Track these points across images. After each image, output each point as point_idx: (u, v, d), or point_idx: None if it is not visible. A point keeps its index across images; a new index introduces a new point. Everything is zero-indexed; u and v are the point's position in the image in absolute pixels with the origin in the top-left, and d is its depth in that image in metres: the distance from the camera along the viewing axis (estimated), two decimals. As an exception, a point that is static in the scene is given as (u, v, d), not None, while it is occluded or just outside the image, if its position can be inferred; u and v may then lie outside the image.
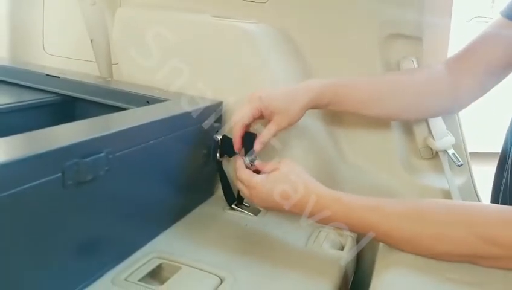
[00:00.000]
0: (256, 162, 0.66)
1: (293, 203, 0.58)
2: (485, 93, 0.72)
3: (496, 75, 0.70)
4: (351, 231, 0.60)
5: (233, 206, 0.74)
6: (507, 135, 0.71)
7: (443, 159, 0.79)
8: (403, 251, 0.53)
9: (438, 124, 0.78)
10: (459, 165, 0.78)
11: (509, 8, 0.67)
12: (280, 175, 0.60)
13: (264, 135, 0.67)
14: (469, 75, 0.70)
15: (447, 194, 0.78)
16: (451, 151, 0.78)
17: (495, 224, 0.49)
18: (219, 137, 0.71)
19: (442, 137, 0.78)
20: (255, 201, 0.62)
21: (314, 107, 0.69)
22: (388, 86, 0.73)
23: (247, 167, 0.65)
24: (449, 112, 0.76)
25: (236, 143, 0.67)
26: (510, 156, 0.68)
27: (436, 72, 0.72)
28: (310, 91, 0.68)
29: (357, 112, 0.72)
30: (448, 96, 0.72)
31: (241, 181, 0.64)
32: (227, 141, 0.70)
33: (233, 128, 0.67)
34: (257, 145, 0.66)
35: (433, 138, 0.78)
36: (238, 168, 0.65)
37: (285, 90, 0.69)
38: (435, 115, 0.77)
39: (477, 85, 0.70)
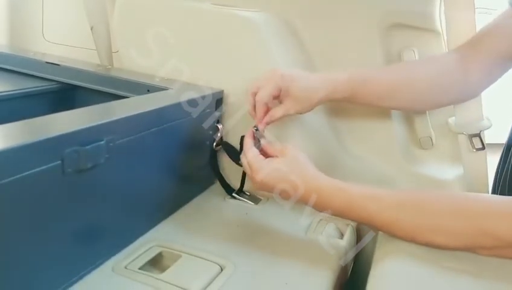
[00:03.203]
0: (262, 141, 0.63)
1: (294, 201, 0.58)
2: (492, 83, 0.72)
3: (503, 66, 0.69)
4: (351, 220, 0.60)
5: (233, 194, 0.74)
6: None
7: (462, 143, 0.77)
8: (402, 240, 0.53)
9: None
10: (478, 150, 0.76)
11: None
12: (282, 171, 0.58)
13: (270, 116, 0.65)
14: (479, 65, 0.69)
15: (447, 184, 0.78)
16: (475, 135, 0.77)
17: (495, 216, 0.49)
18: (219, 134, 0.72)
19: (480, 120, 0.76)
20: (256, 187, 0.61)
21: (328, 101, 0.69)
22: (403, 79, 0.72)
23: (255, 144, 0.63)
24: (460, 102, 0.75)
25: (260, 122, 0.65)
26: None
27: (447, 63, 0.72)
28: (329, 85, 0.67)
29: (371, 105, 0.72)
30: (459, 86, 0.71)
31: (247, 161, 0.62)
32: (228, 147, 0.71)
33: (257, 107, 0.65)
34: (260, 126, 0.65)
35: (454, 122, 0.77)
36: (246, 147, 0.62)
37: (307, 76, 0.67)
38: (446, 105, 0.76)
39: (487, 75, 0.70)
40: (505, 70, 0.70)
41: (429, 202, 0.53)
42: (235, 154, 0.70)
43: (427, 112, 0.81)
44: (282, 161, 0.59)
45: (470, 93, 0.73)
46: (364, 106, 0.75)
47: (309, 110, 0.68)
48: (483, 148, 0.76)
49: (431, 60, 0.76)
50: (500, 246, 0.49)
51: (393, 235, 0.54)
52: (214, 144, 0.71)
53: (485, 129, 0.76)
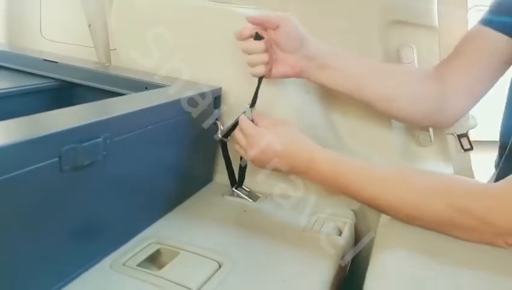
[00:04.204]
0: (254, 112, 0.68)
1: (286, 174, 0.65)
2: (475, 102, 0.72)
3: (484, 83, 0.70)
4: (340, 192, 0.62)
5: (233, 189, 0.74)
6: (502, 126, 0.71)
7: (451, 143, 0.78)
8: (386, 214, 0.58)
9: None
10: (466, 150, 0.78)
11: (487, 16, 0.68)
12: (275, 146, 0.62)
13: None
14: (456, 83, 0.70)
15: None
16: (463, 135, 0.78)
17: (472, 195, 0.52)
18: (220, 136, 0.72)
19: (467, 120, 0.77)
20: (250, 154, 0.65)
21: (309, 64, 0.69)
22: (382, 66, 0.73)
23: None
24: (436, 121, 0.74)
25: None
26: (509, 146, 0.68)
27: (426, 70, 0.73)
28: (314, 42, 0.69)
29: (347, 86, 0.71)
30: (435, 102, 0.71)
31: (242, 130, 0.66)
32: (242, 171, 0.74)
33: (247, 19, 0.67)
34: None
35: None
36: (241, 122, 0.67)
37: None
38: (419, 117, 0.74)
39: (466, 93, 0.71)
40: (486, 88, 0.71)
41: (413, 178, 0.56)
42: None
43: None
44: (276, 134, 0.63)
45: (448, 112, 0.73)
46: (340, 89, 0.72)
47: (293, 51, 0.68)
48: (471, 148, 0.77)
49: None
50: (476, 228, 0.51)
51: (378, 208, 0.57)
52: (220, 135, 0.72)
53: (472, 128, 0.77)
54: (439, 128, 0.77)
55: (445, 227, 0.53)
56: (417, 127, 0.81)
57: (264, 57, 0.67)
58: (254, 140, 0.64)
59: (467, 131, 0.79)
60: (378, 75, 0.72)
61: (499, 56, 0.68)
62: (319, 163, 0.61)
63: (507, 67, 0.70)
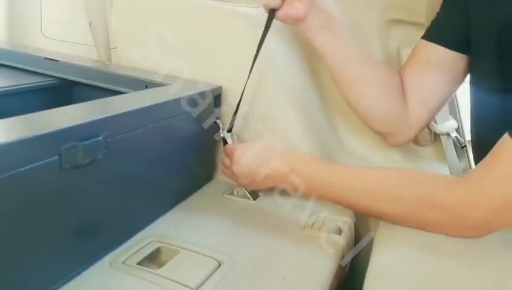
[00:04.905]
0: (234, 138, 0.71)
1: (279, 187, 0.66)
2: (430, 114, 0.73)
3: (437, 95, 0.72)
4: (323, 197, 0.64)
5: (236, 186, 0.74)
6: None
7: (445, 142, 0.79)
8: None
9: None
10: (462, 147, 0.78)
11: (427, 29, 0.71)
12: (261, 156, 0.65)
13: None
14: (411, 90, 0.72)
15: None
16: (454, 134, 0.78)
17: (441, 187, 0.54)
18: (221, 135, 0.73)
19: (444, 121, 0.77)
20: (236, 173, 0.67)
21: (314, 17, 0.67)
22: (373, 59, 0.73)
23: None
24: (398, 129, 0.75)
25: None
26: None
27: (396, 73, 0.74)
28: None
29: (336, 59, 0.70)
30: (400, 107, 0.72)
31: (226, 154, 0.69)
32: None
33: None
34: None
35: (435, 122, 0.78)
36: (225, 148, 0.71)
37: None
38: (383, 119, 0.75)
39: (420, 102, 0.72)
40: (440, 100, 0.72)
41: (386, 173, 0.60)
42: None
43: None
44: (258, 147, 0.66)
45: (410, 130, 0.74)
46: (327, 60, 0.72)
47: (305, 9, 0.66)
48: (465, 146, 0.78)
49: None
50: (443, 221, 0.53)
51: (351, 207, 0.62)
52: (221, 133, 0.72)
53: (455, 128, 0.78)
54: (400, 139, 0.77)
55: (418, 223, 0.55)
56: (376, 131, 0.79)
57: None
58: (235, 154, 0.67)
59: (459, 129, 0.79)
60: (367, 64, 0.71)
61: (445, 68, 0.69)
62: (299, 164, 0.63)
63: (459, 79, 0.71)
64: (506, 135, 0.50)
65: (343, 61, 0.70)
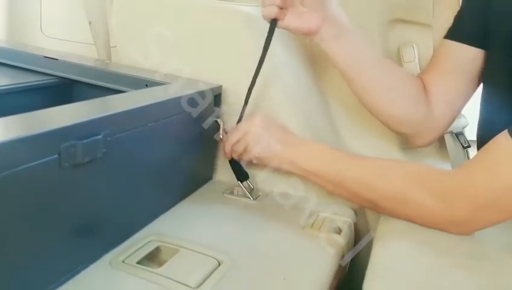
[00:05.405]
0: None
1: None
2: (454, 115, 0.74)
3: (461, 94, 0.72)
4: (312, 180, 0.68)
5: (239, 183, 0.74)
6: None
7: (449, 141, 0.79)
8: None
9: None
10: (465, 148, 0.78)
11: (451, 29, 0.71)
12: (256, 133, 0.68)
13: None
14: (438, 93, 0.72)
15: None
16: (460, 133, 0.78)
17: (432, 175, 0.57)
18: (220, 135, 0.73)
19: (458, 119, 0.77)
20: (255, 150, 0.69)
21: (327, 27, 0.67)
22: (386, 61, 0.73)
23: None
24: (421, 131, 0.75)
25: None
26: None
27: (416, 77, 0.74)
28: (338, 7, 0.68)
29: (351, 65, 0.70)
30: (424, 111, 0.72)
31: (233, 141, 0.70)
32: (235, 165, 0.74)
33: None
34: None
35: None
36: (225, 141, 0.72)
37: None
38: (407, 124, 0.74)
39: (446, 104, 0.72)
40: (464, 99, 0.73)
41: (372, 162, 0.62)
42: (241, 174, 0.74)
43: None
44: (254, 125, 0.68)
45: (434, 132, 0.75)
46: (342, 69, 0.71)
47: (314, 8, 0.65)
48: (468, 146, 0.78)
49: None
50: (430, 207, 0.54)
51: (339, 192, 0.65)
52: (221, 136, 0.73)
53: (465, 126, 0.78)
54: (426, 140, 0.76)
55: (401, 207, 0.57)
56: (400, 133, 0.79)
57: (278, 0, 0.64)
58: (247, 136, 0.69)
59: (463, 129, 0.79)
60: (383, 69, 0.71)
61: (468, 67, 0.70)
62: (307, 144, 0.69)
63: (480, 79, 0.71)
64: (504, 132, 0.50)
65: (359, 67, 0.69)
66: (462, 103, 0.73)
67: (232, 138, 0.71)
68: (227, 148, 0.72)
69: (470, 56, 0.69)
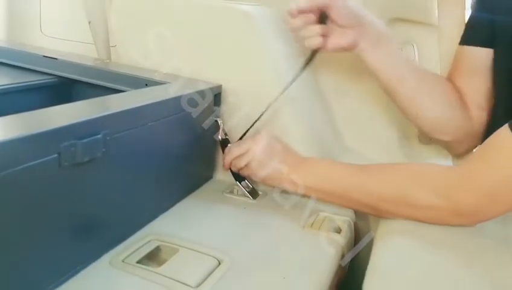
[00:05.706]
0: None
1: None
2: (485, 116, 0.73)
3: (488, 95, 0.72)
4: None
5: (238, 183, 0.74)
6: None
7: None
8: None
9: None
10: None
11: (464, 34, 0.72)
12: (260, 156, 0.68)
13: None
14: (470, 96, 0.72)
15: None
16: None
17: (434, 172, 0.57)
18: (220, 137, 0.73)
19: None
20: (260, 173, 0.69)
21: (364, 40, 0.68)
22: (422, 69, 0.73)
23: None
24: (463, 135, 0.74)
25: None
26: None
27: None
28: (371, 19, 0.69)
29: (391, 73, 0.70)
30: (464, 114, 0.72)
31: (234, 155, 0.70)
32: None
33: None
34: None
35: None
36: (226, 153, 0.72)
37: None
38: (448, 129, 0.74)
39: (477, 106, 0.72)
40: (491, 100, 0.72)
41: (374, 170, 0.63)
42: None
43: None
44: (258, 145, 0.68)
45: (473, 137, 0.73)
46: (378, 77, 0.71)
47: (349, 26, 0.66)
48: None
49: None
50: (433, 203, 0.55)
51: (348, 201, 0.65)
52: (220, 137, 0.73)
53: None
54: (464, 147, 0.75)
55: (405, 206, 0.57)
56: (440, 142, 0.78)
57: (318, 28, 0.65)
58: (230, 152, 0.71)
59: None
60: (423, 75, 0.71)
61: (490, 68, 0.70)
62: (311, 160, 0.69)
63: None
64: (505, 125, 0.50)
65: (397, 76, 0.69)
66: (489, 105, 0.72)
67: (234, 153, 0.70)
68: (227, 161, 0.72)
69: (490, 58, 0.69)
